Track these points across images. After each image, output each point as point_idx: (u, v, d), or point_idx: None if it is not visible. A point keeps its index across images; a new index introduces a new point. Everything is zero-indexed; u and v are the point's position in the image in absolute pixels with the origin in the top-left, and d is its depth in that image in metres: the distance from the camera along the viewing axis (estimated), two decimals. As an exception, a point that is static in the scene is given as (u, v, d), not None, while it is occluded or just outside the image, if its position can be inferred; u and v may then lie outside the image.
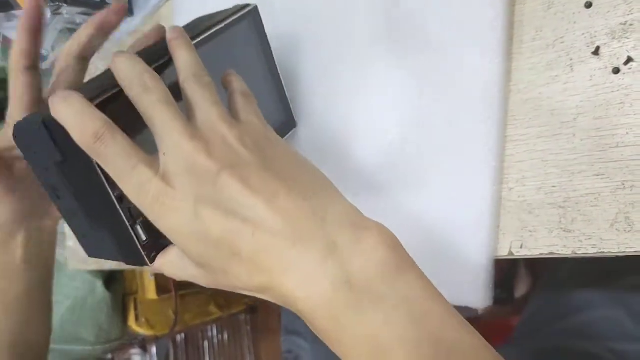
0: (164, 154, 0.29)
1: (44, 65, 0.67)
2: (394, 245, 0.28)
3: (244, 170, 0.28)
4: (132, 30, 0.68)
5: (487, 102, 0.40)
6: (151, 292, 1.02)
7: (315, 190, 0.30)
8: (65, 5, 0.55)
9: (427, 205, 0.44)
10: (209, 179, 0.28)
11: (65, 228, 0.71)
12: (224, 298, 1.28)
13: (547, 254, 0.40)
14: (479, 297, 0.42)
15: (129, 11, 0.67)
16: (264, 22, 0.44)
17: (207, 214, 0.28)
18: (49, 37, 0.63)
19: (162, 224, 0.29)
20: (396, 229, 0.29)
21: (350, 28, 0.46)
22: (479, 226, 0.41)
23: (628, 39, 0.37)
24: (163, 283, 1.01)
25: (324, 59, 0.48)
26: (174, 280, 0.99)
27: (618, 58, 0.37)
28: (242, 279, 0.29)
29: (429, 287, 0.28)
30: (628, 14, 0.37)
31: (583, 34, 0.39)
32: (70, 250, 0.72)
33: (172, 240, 0.30)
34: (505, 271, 0.99)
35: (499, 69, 0.40)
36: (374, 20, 0.45)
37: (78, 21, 0.65)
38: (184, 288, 1.05)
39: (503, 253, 0.42)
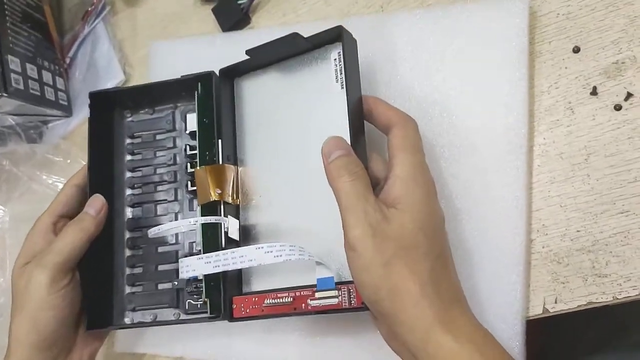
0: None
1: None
2: None
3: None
4: (70, 131, 0.62)
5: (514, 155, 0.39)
6: None
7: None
8: (5, 96, 0.49)
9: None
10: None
11: None
12: None
13: (585, 305, 0.37)
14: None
15: (68, 111, 0.61)
16: None
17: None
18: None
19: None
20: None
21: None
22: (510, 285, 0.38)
23: (623, 76, 0.38)
24: None
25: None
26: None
27: (617, 95, 0.38)
28: None
29: None
30: (618, 54, 0.38)
31: (576, 77, 0.39)
32: None
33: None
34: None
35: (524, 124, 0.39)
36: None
37: (6, 123, 0.59)
38: None
39: (537, 312, 0.38)
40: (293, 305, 0.38)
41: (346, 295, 0.36)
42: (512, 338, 0.37)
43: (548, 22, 0.40)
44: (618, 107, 0.38)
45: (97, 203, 0.44)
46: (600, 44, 0.39)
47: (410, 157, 0.34)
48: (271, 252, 0.35)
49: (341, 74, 0.39)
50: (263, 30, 0.52)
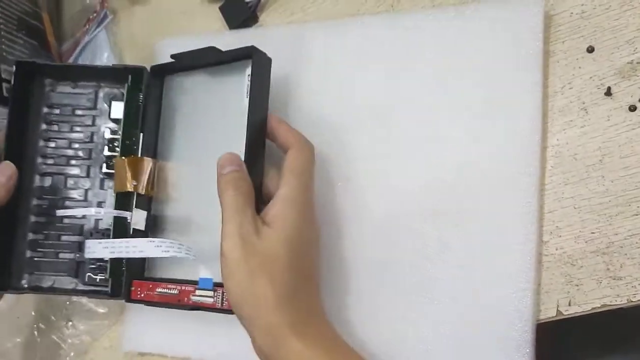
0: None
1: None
2: None
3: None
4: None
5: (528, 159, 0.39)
6: None
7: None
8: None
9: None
10: None
11: None
12: None
13: (599, 307, 0.37)
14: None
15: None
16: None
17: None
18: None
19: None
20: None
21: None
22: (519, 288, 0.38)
23: (638, 76, 0.37)
24: None
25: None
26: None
27: (632, 96, 0.37)
28: None
29: None
30: (633, 53, 0.38)
31: (591, 77, 0.39)
32: None
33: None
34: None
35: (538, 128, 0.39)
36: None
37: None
38: None
39: (550, 314, 0.38)
40: (178, 298, 0.42)
41: (220, 297, 0.40)
42: (522, 345, 0.37)
43: (562, 21, 0.40)
44: (633, 108, 0.37)
45: (7, 170, 0.45)
46: (614, 44, 0.38)
47: (295, 180, 0.38)
48: (160, 247, 0.39)
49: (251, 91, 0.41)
50: (270, 28, 0.52)
